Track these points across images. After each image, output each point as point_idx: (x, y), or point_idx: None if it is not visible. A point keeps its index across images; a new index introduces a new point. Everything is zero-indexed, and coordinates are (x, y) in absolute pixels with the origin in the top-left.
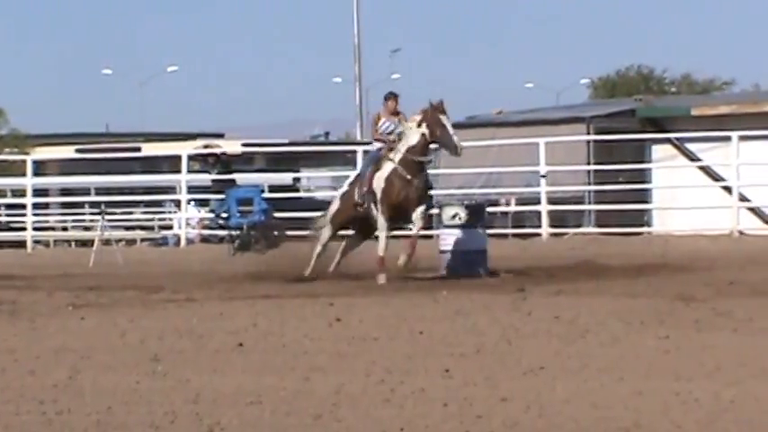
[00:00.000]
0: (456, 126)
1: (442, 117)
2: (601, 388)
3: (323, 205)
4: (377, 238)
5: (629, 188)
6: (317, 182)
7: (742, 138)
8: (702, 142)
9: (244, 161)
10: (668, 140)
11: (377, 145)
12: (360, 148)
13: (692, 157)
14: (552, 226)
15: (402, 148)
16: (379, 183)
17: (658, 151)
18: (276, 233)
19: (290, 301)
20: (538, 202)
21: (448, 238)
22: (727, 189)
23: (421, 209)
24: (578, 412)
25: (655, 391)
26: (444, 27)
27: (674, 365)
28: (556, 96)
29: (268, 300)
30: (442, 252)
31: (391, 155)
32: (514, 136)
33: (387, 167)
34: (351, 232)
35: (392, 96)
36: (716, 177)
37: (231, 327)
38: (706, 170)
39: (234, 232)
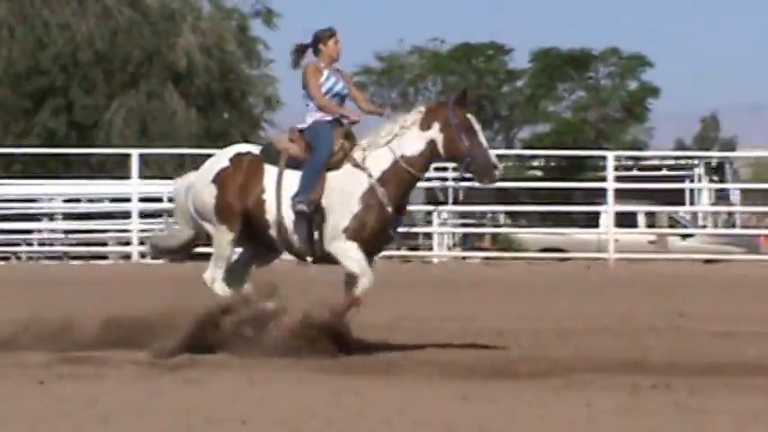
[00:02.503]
0: None
1: (471, 118)
2: None
3: None
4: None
5: None
6: None
7: None
8: None
9: None
10: None
11: (319, 116)
12: None
13: None
14: None
15: (394, 150)
16: (344, 201)
17: None
18: None
19: None
20: None
21: None
22: None
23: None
24: None
25: None
26: None
27: None
28: None
29: None
30: None
31: (357, 154)
32: None
33: (356, 178)
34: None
35: (332, 35)
36: None
37: None
38: None
39: None
